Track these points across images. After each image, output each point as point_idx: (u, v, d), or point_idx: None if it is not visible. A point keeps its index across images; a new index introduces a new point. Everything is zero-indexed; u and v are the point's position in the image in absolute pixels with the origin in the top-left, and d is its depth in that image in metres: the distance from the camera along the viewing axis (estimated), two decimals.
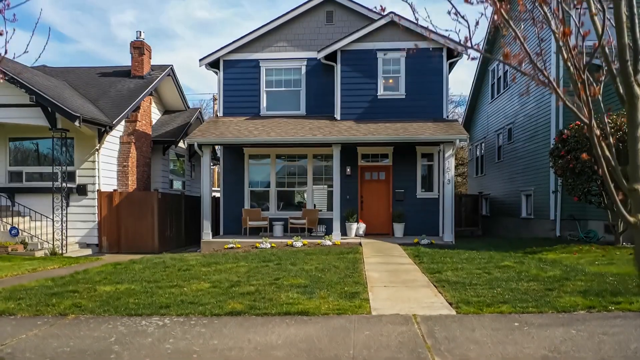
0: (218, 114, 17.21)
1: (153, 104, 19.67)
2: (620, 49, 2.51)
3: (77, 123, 13.29)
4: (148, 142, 18.47)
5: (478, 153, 24.12)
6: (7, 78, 13.16)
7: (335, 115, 16.08)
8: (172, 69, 19.71)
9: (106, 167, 16.30)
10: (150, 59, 19.10)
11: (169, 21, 79.99)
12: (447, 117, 15.94)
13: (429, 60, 15.78)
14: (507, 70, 19.74)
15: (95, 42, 75.83)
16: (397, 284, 7.79)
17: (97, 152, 15.74)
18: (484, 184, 23.20)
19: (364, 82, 15.96)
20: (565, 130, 12.18)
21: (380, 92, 15.95)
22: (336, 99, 16.10)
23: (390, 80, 16.13)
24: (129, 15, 78.32)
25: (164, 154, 19.74)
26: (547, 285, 7.19)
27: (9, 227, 14.31)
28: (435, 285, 7.53)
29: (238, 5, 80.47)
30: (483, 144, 23.11)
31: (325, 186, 16.74)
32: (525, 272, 8.37)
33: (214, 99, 41.59)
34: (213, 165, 22.82)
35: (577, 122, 12.33)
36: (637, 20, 2.64)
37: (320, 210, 16.54)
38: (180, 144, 20.13)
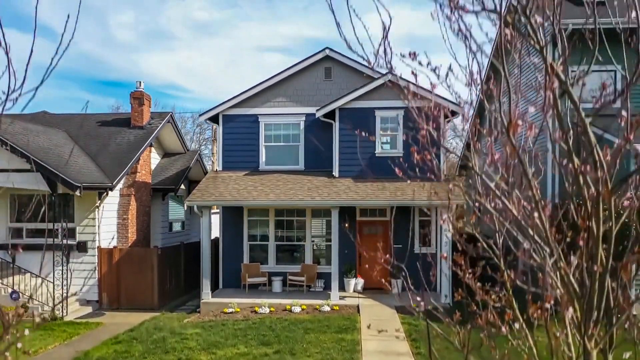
0: (217, 168, 17.34)
1: (153, 150, 19.78)
2: None
3: (78, 192, 13.43)
4: (148, 190, 18.59)
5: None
6: (7, 148, 13.28)
7: (334, 173, 16.22)
8: (171, 116, 19.84)
9: (106, 221, 16.41)
10: (150, 107, 19.23)
11: (167, 22, 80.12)
12: (446, 175, 16.07)
13: (426, 119, 15.88)
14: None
15: (94, 43, 75.93)
16: None
17: (97, 209, 15.86)
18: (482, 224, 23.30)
19: (362, 139, 16.08)
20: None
21: (378, 149, 16.10)
22: (334, 157, 16.24)
23: (388, 131, 16.26)
24: (127, 16, 78.39)
25: (163, 199, 19.85)
26: None
27: (9, 290, 14.42)
28: None
29: (237, 6, 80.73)
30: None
31: (324, 240, 16.88)
32: None
33: None
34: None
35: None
36: None
37: (319, 264, 16.68)
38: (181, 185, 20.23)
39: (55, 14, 76.69)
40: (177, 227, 21.54)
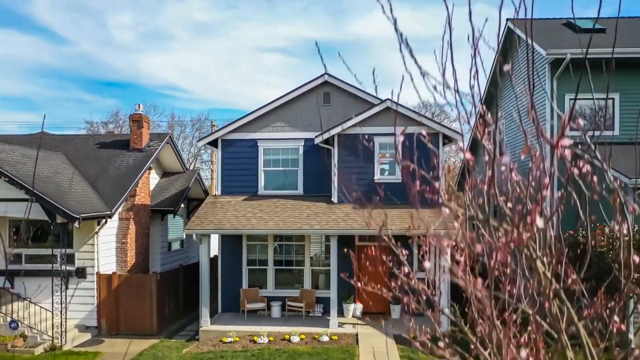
0: (216, 192, 17.36)
1: (152, 170, 19.78)
2: None
3: (77, 224, 13.44)
4: (147, 213, 18.60)
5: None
6: (6, 179, 13.31)
7: (333, 199, 16.23)
8: (170, 137, 19.88)
9: (105, 246, 16.42)
10: (149, 129, 19.24)
11: (166, 23, 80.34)
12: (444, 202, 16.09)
13: (425, 145, 15.91)
14: (502, 140, 19.94)
15: (92, 44, 76.09)
16: None
17: (96, 235, 15.87)
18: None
19: (360, 165, 16.12)
20: None
21: (377, 176, 16.11)
22: (333, 182, 16.26)
23: (387, 155, 16.27)
24: (126, 17, 78.56)
25: (162, 219, 19.87)
26: None
27: (8, 319, 14.43)
28: None
29: (236, 6, 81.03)
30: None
31: (323, 264, 16.88)
32: None
33: (212, 125, 41.86)
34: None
35: (569, 231, 12.50)
36: None
37: (318, 288, 16.69)
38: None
39: (55, 15, 76.89)
40: (176, 245, 21.55)
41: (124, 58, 77.67)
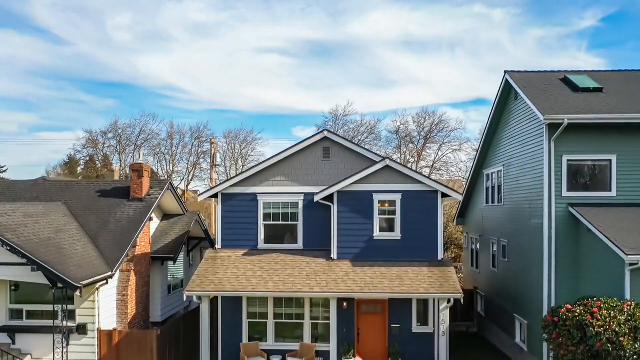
0: (216, 245, 17.43)
1: (152, 215, 19.85)
2: None
3: (77, 293, 13.52)
4: (147, 261, 18.67)
5: (473, 246, 24.40)
6: (8, 248, 13.40)
7: (332, 255, 16.33)
8: (170, 183, 19.95)
9: (105, 300, 16.48)
10: (149, 177, 19.31)
11: (165, 23, 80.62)
12: (442, 258, 16.22)
13: (424, 202, 16.09)
14: (500, 184, 20.07)
15: (91, 45, 76.30)
16: None
17: (96, 292, 15.95)
18: (478, 279, 23.49)
19: (360, 222, 16.24)
20: (555, 318, 12.52)
21: (376, 232, 16.21)
22: (332, 238, 16.35)
23: (387, 212, 16.32)
24: (124, 18, 78.78)
25: (162, 263, 19.94)
26: None
27: None
28: None
29: (234, 7, 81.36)
30: (478, 241, 23.39)
31: (322, 318, 16.95)
32: None
33: (211, 142, 42.02)
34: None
35: (567, 305, 12.62)
36: None
37: (317, 340, 16.77)
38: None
39: (53, 15, 76.86)
40: (176, 283, 21.60)
41: (122, 58, 77.86)
